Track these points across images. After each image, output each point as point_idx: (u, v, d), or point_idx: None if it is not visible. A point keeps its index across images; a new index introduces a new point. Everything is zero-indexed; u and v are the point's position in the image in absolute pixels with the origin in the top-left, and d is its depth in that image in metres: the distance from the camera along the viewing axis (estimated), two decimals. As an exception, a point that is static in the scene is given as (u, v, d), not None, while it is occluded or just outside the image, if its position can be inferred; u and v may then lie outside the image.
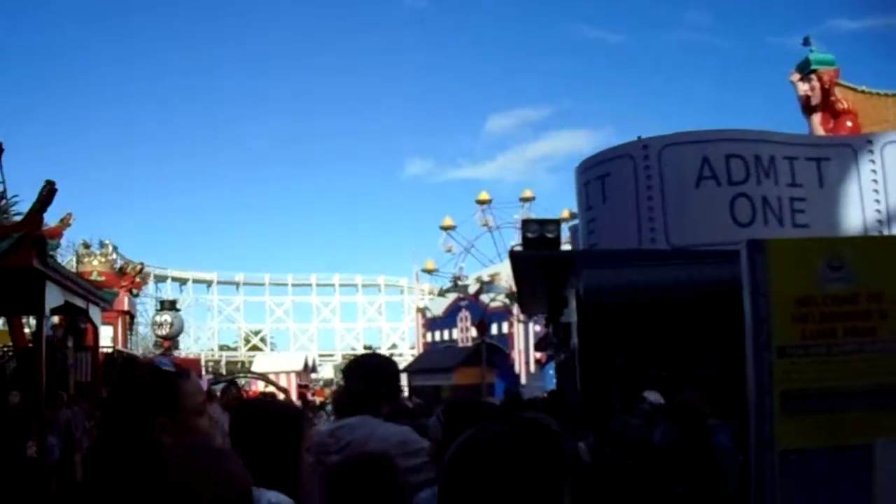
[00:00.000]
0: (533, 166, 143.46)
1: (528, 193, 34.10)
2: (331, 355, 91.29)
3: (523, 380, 40.69)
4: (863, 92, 21.19)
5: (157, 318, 47.42)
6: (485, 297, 39.91)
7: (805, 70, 20.61)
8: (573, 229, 22.34)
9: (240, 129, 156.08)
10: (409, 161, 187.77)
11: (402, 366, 44.64)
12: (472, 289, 40.33)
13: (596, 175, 15.39)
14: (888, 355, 5.74)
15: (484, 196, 35.06)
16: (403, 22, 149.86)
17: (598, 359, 13.46)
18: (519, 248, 15.03)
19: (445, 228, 35.15)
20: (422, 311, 52.69)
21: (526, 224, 14.68)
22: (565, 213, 30.66)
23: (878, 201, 14.87)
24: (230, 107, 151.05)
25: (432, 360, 44.96)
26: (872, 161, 15.03)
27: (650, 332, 13.00)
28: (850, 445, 5.43)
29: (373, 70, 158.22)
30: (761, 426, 5.34)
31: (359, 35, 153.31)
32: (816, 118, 20.27)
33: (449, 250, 36.24)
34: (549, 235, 14.41)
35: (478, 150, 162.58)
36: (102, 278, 33.36)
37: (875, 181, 14.94)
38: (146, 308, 63.08)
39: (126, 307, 37.27)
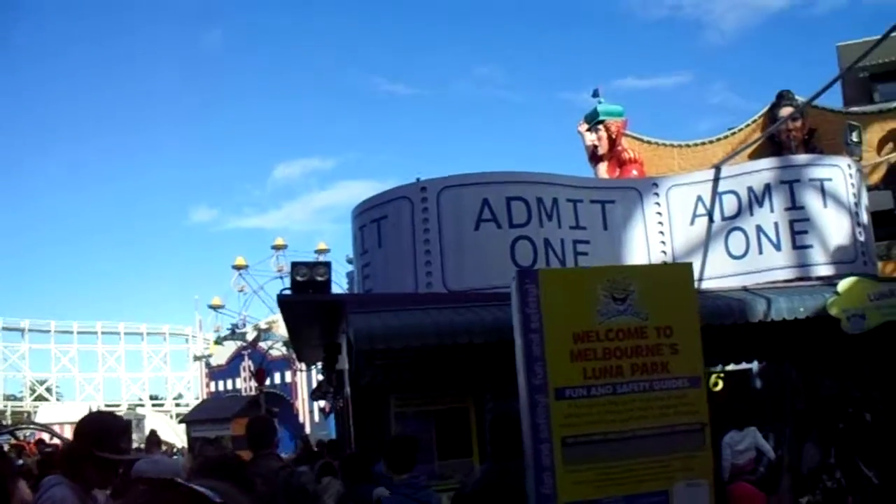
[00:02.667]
0: (318, 216, 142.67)
1: (322, 245, 33.18)
2: (117, 405, 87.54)
3: (307, 428, 39.76)
4: (649, 142, 21.41)
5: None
6: (264, 345, 38.75)
7: (593, 121, 20.63)
8: (350, 275, 21.53)
9: (23, 168, 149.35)
10: (194, 209, 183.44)
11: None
12: (251, 336, 39.04)
13: (372, 218, 14.59)
14: (681, 392, 5.05)
15: (279, 241, 34.02)
16: (196, 62, 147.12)
17: (372, 406, 12.58)
18: (288, 293, 13.93)
19: (238, 267, 33.84)
20: (200, 359, 51.07)
21: (296, 267, 13.64)
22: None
23: (663, 242, 14.94)
24: (13, 147, 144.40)
25: (211, 409, 43.30)
26: (658, 203, 15.14)
27: (429, 377, 12.35)
28: (645, 493, 4.76)
29: (154, 115, 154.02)
30: (539, 478, 4.58)
31: (143, 75, 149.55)
32: (603, 167, 20.30)
33: (241, 290, 34.89)
34: (320, 279, 13.39)
35: (264, 199, 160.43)
36: None
37: (661, 223, 15.08)
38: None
39: None
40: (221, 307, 38.33)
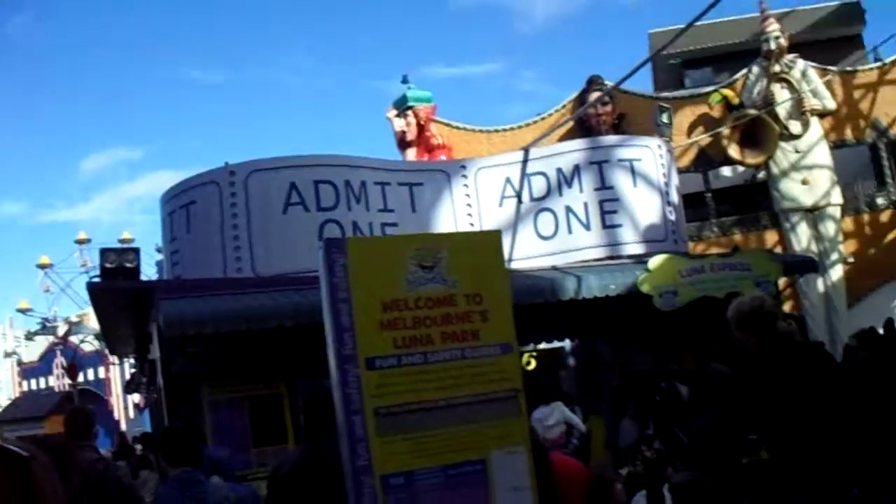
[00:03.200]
0: (129, 207, 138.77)
1: (126, 235, 32.17)
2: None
3: (123, 425, 38.81)
4: (457, 128, 21.51)
5: None
6: (75, 339, 37.55)
7: (402, 106, 20.58)
8: (160, 264, 21.03)
9: None
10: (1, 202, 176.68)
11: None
12: (62, 331, 37.75)
13: (180, 204, 14.25)
14: (493, 359, 5.01)
15: (82, 236, 32.85)
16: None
17: (185, 395, 12.27)
18: (97, 280, 13.48)
19: (42, 266, 32.60)
20: (10, 355, 49.18)
21: (104, 253, 13.20)
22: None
23: (472, 224, 14.99)
24: None
25: (22, 409, 41.80)
26: (466, 185, 15.23)
27: (242, 363, 12.14)
28: (464, 462, 4.70)
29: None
30: (354, 450, 4.46)
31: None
32: (411, 153, 20.30)
33: (47, 290, 33.65)
34: (129, 265, 12.99)
35: (74, 192, 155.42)
36: None
37: (469, 205, 15.17)
38: None
39: None
40: (30, 310, 37.04)
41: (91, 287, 13.75)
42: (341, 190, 13.87)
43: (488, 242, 5.33)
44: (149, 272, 24.86)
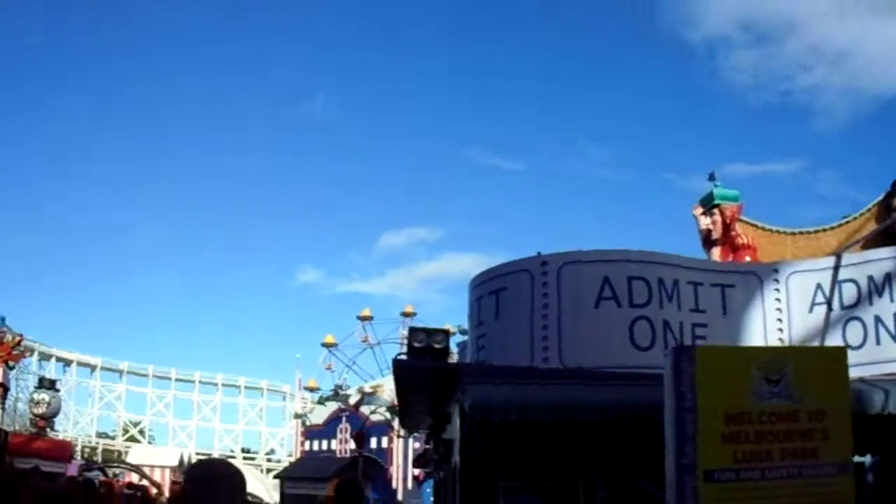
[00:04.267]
0: (424, 286, 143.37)
1: (408, 309, 33.10)
2: (208, 454, 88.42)
3: (400, 495, 39.55)
4: (763, 228, 21.01)
5: (35, 396, 45.22)
6: (365, 409, 38.71)
7: (708, 204, 20.29)
8: (461, 346, 21.44)
9: (140, 217, 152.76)
10: (301, 270, 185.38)
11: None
12: (353, 400, 39.02)
13: (490, 290, 14.50)
14: (830, 479, 4.88)
15: (366, 312, 33.94)
16: (306, 129, 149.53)
17: (480, 478, 12.42)
18: (404, 358, 13.95)
19: (327, 346, 33.84)
20: (300, 417, 51.20)
21: (413, 333, 13.68)
22: (450, 328, 29.80)
23: (780, 329, 14.51)
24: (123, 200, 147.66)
25: (308, 468, 43.43)
26: (777, 290, 14.79)
27: (541, 453, 12.16)
28: None
29: (268, 174, 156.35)
30: None
31: (256, 138, 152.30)
32: (716, 251, 19.89)
33: (329, 368, 34.93)
34: (437, 346, 13.41)
35: (369, 266, 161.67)
36: (-23, 346, 31.73)
37: (779, 309, 14.69)
38: (28, 385, 60.74)
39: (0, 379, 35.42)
40: (317, 389, 38.52)
41: (397, 364, 14.20)
42: (654, 287, 13.73)
43: (834, 358, 5.23)
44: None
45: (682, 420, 4.57)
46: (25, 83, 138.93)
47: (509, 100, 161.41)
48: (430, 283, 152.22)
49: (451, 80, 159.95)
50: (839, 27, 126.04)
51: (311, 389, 40.38)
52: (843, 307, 14.71)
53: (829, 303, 14.70)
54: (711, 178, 20.60)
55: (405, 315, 33.47)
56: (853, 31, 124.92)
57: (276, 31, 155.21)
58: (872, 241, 18.37)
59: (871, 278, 14.67)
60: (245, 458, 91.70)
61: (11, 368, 40.39)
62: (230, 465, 4.54)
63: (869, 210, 20.89)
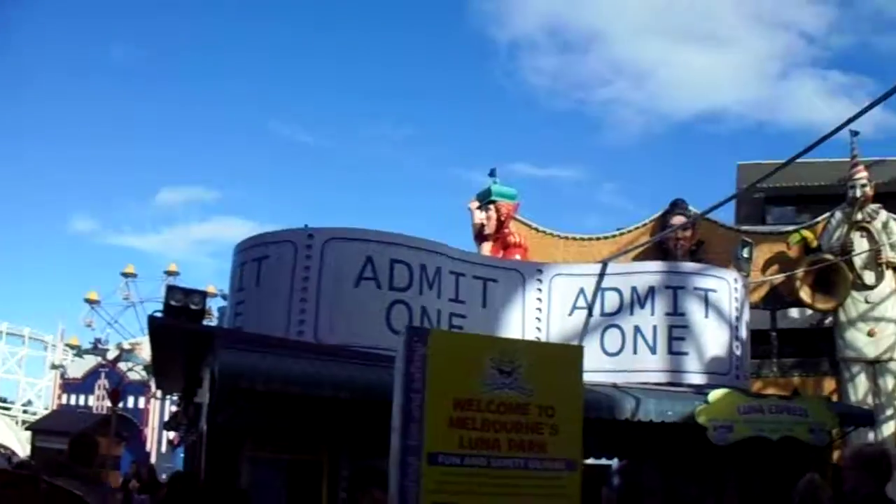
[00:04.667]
0: (197, 247, 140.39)
1: (172, 267, 32.23)
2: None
3: (153, 458, 38.74)
4: (536, 230, 21.52)
5: None
6: (123, 366, 37.68)
7: (485, 199, 20.49)
8: (221, 311, 21.07)
9: None
10: (76, 217, 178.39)
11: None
12: (112, 355, 37.88)
13: (254, 257, 14.28)
14: (556, 474, 4.93)
15: (129, 269, 32.88)
16: (94, 71, 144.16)
17: (226, 446, 12.18)
18: (160, 315, 13.54)
19: (90, 302, 32.72)
20: (58, 368, 49.60)
21: (170, 291, 13.33)
22: (211, 289, 29.19)
23: (539, 329, 14.95)
24: None
25: (61, 422, 41.91)
26: (539, 290, 15.20)
27: (288, 426, 12.01)
28: None
29: (57, 117, 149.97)
30: None
31: (43, 82, 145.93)
32: (487, 246, 20.14)
33: (89, 325, 33.74)
34: (194, 307, 13.11)
35: (144, 221, 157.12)
36: None
37: (539, 309, 15.11)
38: None
39: None
40: (79, 347, 37.29)
41: (152, 321, 13.80)
42: (416, 273, 13.82)
43: (570, 357, 5.29)
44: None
45: (409, 400, 4.57)
46: None
47: (316, 78, 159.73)
48: (201, 244, 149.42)
49: (260, 47, 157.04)
50: (642, 47, 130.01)
51: (72, 347, 38.93)
52: (603, 314, 15.30)
53: (589, 308, 15.26)
54: (492, 174, 20.85)
55: (168, 273, 32.65)
56: (654, 53, 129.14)
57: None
58: (644, 256, 19.00)
59: (634, 289, 15.29)
60: (1, 409, 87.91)
61: None
62: None
63: (645, 225, 21.68)
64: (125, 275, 32.71)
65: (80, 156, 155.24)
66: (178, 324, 13.10)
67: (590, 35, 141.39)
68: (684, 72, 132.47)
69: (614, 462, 14.89)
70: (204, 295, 13.37)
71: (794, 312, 21.60)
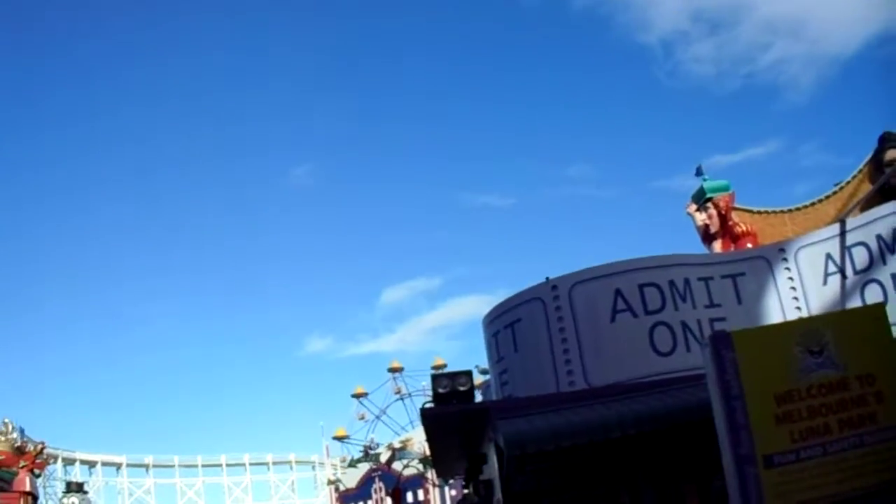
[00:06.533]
0: (433, 336, 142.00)
1: (439, 361, 32.79)
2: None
3: (440, 543, 39.16)
4: (759, 212, 20.79)
5: (65, 501, 44.90)
6: (398, 465, 38.30)
7: (701, 199, 20.07)
8: (485, 386, 21.19)
9: (140, 310, 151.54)
10: (308, 340, 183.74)
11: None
12: (384, 457, 38.63)
13: (505, 323, 14.41)
14: (893, 444, 4.70)
15: (395, 364, 33.85)
16: (286, 200, 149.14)
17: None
18: (431, 406, 13.77)
19: (357, 396, 33.79)
20: (333, 483, 50.81)
21: (436, 379, 13.49)
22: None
23: (798, 308, 14.39)
24: (129, 283, 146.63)
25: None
26: (787, 269, 14.77)
27: (582, 476, 12.00)
28: None
29: (259, 249, 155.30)
30: None
31: (240, 214, 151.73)
32: (717, 244, 19.64)
33: (362, 417, 34.82)
34: (462, 388, 13.22)
35: (376, 324, 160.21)
36: (1, 457, 31.46)
37: (793, 288, 14.64)
38: (56, 491, 60.15)
39: (27, 488, 34.98)
40: (346, 437, 38.23)
41: (425, 412, 14.01)
42: (666, 290, 13.67)
43: (872, 317, 5.06)
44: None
45: (732, 409, 4.43)
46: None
47: (485, 136, 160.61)
48: (438, 331, 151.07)
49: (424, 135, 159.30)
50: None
51: (340, 438, 39.88)
52: (856, 272, 14.56)
53: (842, 271, 14.62)
54: (699, 172, 20.42)
55: (436, 368, 33.25)
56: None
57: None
58: (871, 201, 18.09)
59: (879, 237, 14.47)
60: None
61: (38, 476, 40.10)
62: None
63: (861, 171, 20.58)
64: (392, 370, 33.59)
65: (297, 282, 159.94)
66: (450, 408, 13.27)
67: (732, 6, 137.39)
68: (837, 3, 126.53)
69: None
70: (469, 374, 13.47)
71: None
